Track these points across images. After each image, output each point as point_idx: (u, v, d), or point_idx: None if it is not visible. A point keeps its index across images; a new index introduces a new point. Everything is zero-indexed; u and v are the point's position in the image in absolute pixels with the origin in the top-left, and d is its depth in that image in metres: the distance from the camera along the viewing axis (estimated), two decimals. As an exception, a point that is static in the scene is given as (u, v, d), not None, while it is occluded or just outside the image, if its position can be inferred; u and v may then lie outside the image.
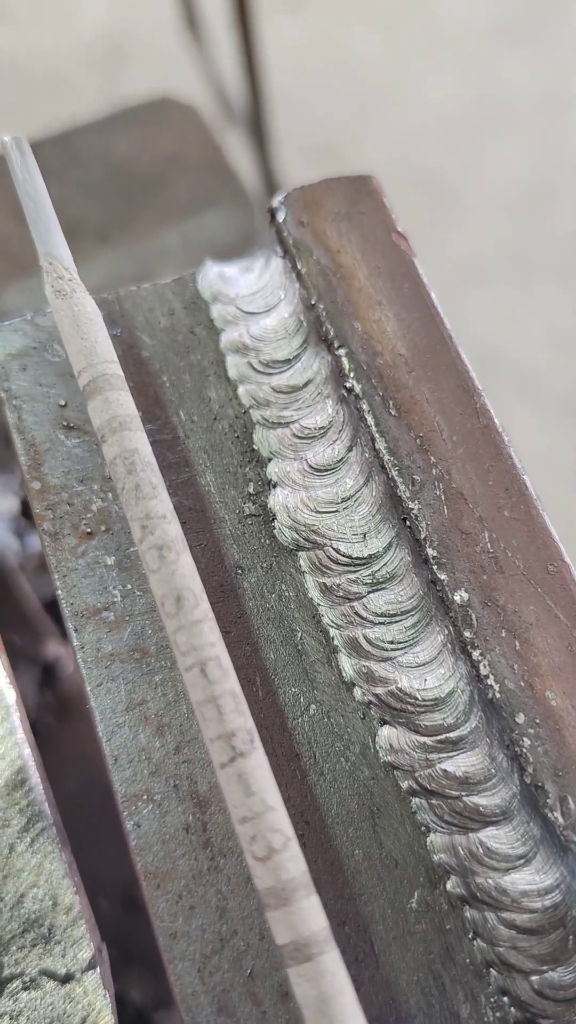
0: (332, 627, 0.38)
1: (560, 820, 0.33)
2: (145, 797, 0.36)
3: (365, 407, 0.39)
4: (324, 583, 0.39)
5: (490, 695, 0.35)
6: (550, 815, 0.33)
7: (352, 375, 0.40)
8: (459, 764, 0.35)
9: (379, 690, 0.37)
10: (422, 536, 0.37)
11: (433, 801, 0.35)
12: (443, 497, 0.38)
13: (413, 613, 0.37)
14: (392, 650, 0.37)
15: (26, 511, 0.79)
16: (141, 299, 0.44)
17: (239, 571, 0.39)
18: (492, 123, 1.85)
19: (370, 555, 0.38)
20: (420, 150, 1.82)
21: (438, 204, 1.77)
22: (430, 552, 0.37)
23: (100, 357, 0.35)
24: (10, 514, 0.82)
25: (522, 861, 0.34)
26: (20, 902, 0.38)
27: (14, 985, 0.37)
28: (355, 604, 0.38)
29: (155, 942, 0.35)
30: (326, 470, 0.40)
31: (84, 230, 0.82)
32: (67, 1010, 0.35)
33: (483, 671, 0.35)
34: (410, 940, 0.34)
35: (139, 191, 0.84)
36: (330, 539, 0.39)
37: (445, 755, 0.35)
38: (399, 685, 0.36)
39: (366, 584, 0.38)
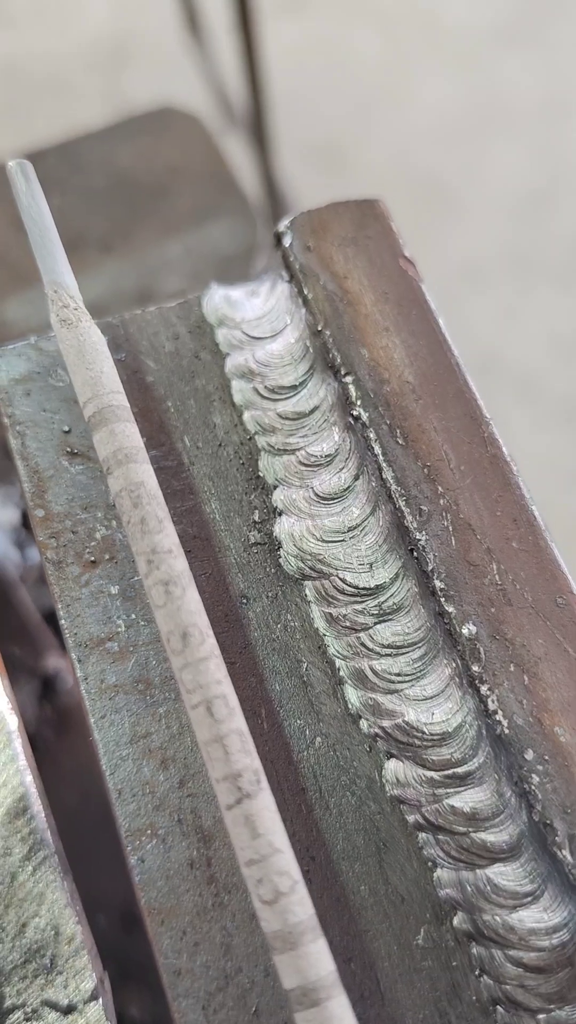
0: (338, 658, 0.38)
1: (569, 858, 0.32)
2: (149, 832, 0.35)
3: (372, 435, 0.39)
4: (330, 613, 0.38)
5: (498, 731, 0.34)
6: (558, 853, 0.33)
7: (359, 403, 0.40)
8: (467, 800, 0.35)
9: (386, 723, 0.36)
10: (429, 568, 0.37)
11: (440, 836, 0.35)
12: (451, 528, 0.37)
13: (420, 645, 0.37)
14: (399, 682, 0.37)
15: (27, 523, 0.78)
16: (146, 323, 0.44)
17: (244, 600, 0.39)
18: (493, 125, 1.85)
19: (377, 585, 0.38)
20: (421, 152, 1.81)
21: (439, 206, 1.76)
22: (438, 584, 0.36)
23: (106, 388, 0.35)
24: (10, 525, 0.82)
25: (529, 899, 0.33)
26: (22, 932, 0.37)
27: (16, 1016, 0.36)
28: (361, 635, 0.37)
29: (154, 959, 0.35)
30: (332, 498, 0.39)
31: (86, 240, 0.82)
32: (69, 1043, 0.35)
33: (491, 706, 0.35)
34: (416, 977, 0.34)
35: (142, 201, 0.83)
36: (336, 569, 0.38)
37: (452, 790, 0.35)
38: (406, 718, 0.36)
39: (373, 615, 0.38)
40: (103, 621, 0.38)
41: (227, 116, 1.69)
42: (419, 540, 0.37)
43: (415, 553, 0.38)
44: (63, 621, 0.38)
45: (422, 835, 0.35)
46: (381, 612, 0.38)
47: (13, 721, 0.40)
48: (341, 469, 0.40)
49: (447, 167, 1.80)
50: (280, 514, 0.40)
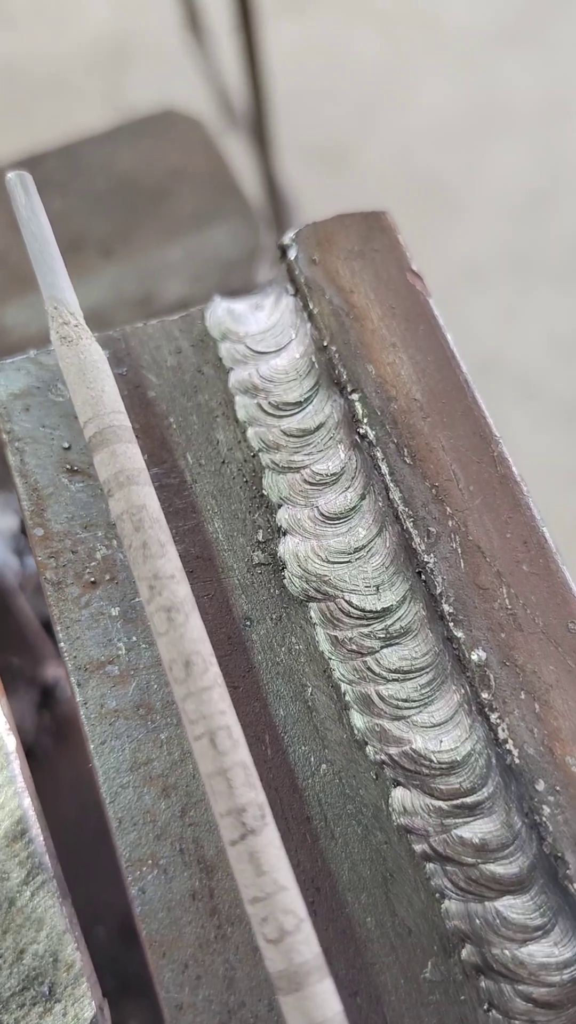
0: (344, 682, 0.37)
1: (580, 893, 0.32)
2: (150, 862, 0.34)
3: (379, 454, 0.38)
4: (335, 636, 0.37)
5: (508, 760, 0.33)
6: (570, 886, 0.32)
7: (365, 421, 0.39)
8: (475, 830, 0.34)
9: (392, 750, 0.35)
10: (438, 591, 0.36)
11: (448, 867, 0.34)
12: (459, 550, 0.37)
13: (428, 671, 0.36)
14: (406, 708, 0.36)
15: (25, 530, 0.77)
16: (147, 336, 0.43)
17: (247, 623, 0.38)
18: (493, 126, 1.84)
19: (383, 608, 0.37)
20: (421, 152, 1.81)
21: (439, 207, 1.76)
22: (446, 608, 0.36)
23: (107, 407, 0.34)
24: (10, 532, 0.81)
25: (540, 932, 0.32)
26: (20, 958, 0.37)
27: (13, 1045, 0.36)
28: (368, 659, 0.37)
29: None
30: (338, 518, 0.39)
31: (87, 243, 0.81)
32: (68, 1073, 0.34)
33: (501, 735, 0.34)
34: (423, 1011, 0.33)
35: (143, 204, 0.82)
36: (342, 591, 0.38)
37: (461, 820, 0.34)
38: (413, 746, 0.35)
39: (379, 639, 0.37)
40: (103, 644, 0.37)
41: (228, 117, 1.68)
42: (427, 562, 0.36)
43: (423, 576, 0.37)
44: (62, 644, 0.37)
45: (430, 866, 0.34)
46: (388, 636, 0.37)
47: (11, 742, 0.39)
48: (347, 488, 0.39)
49: (447, 167, 1.79)
50: (284, 534, 0.39)
